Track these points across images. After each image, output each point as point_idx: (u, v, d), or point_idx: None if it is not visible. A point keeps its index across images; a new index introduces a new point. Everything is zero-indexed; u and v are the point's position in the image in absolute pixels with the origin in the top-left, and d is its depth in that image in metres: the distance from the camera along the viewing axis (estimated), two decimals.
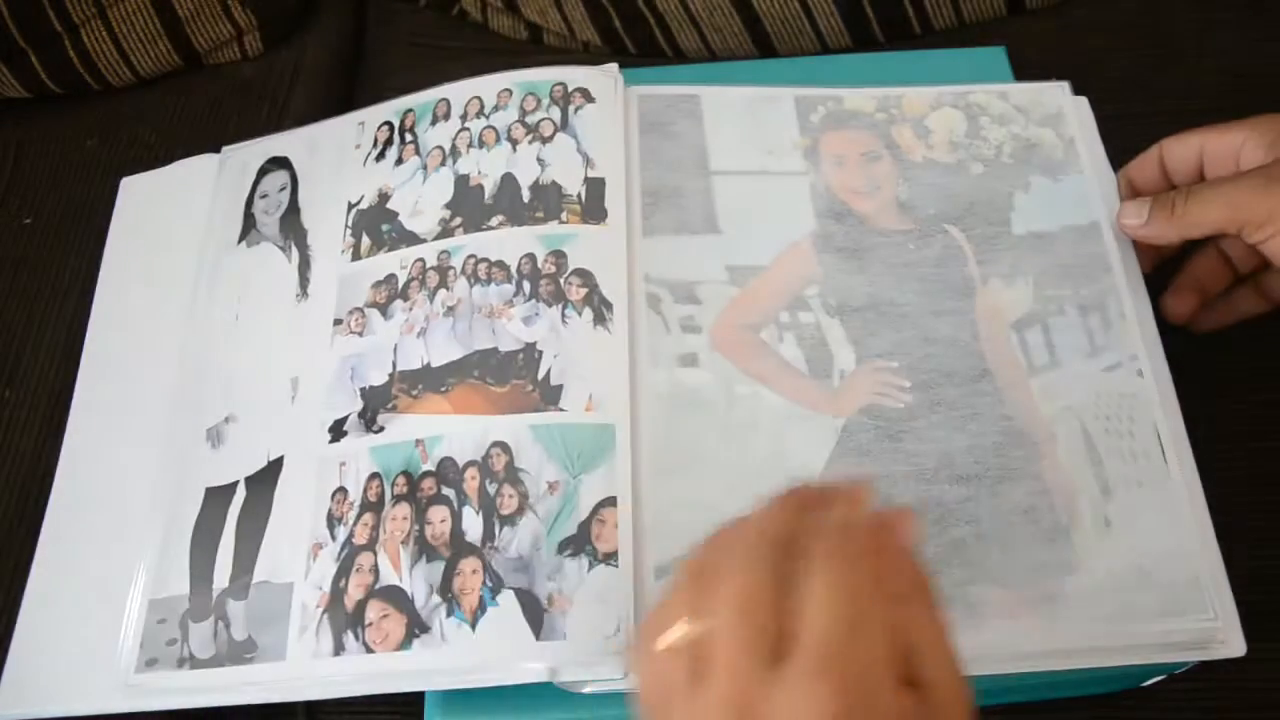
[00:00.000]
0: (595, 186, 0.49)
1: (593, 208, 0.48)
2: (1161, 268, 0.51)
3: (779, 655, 0.29)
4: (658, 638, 0.31)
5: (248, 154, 0.57)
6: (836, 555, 0.30)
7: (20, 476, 0.55)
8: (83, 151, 0.68)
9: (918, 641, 0.30)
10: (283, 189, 0.55)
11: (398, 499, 0.43)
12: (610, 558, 0.41)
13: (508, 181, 0.50)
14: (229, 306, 0.52)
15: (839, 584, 0.29)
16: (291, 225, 0.53)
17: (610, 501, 0.42)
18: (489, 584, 0.41)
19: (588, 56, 0.69)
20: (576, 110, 0.51)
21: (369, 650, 0.41)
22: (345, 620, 0.42)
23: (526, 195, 0.49)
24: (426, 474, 0.43)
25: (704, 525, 0.41)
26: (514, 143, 0.51)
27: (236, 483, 0.47)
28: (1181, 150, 0.49)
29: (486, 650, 0.40)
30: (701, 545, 0.33)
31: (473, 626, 0.40)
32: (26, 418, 0.57)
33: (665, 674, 0.30)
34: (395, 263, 0.49)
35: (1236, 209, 0.44)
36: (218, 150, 0.58)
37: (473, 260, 0.48)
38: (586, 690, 0.40)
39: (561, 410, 0.43)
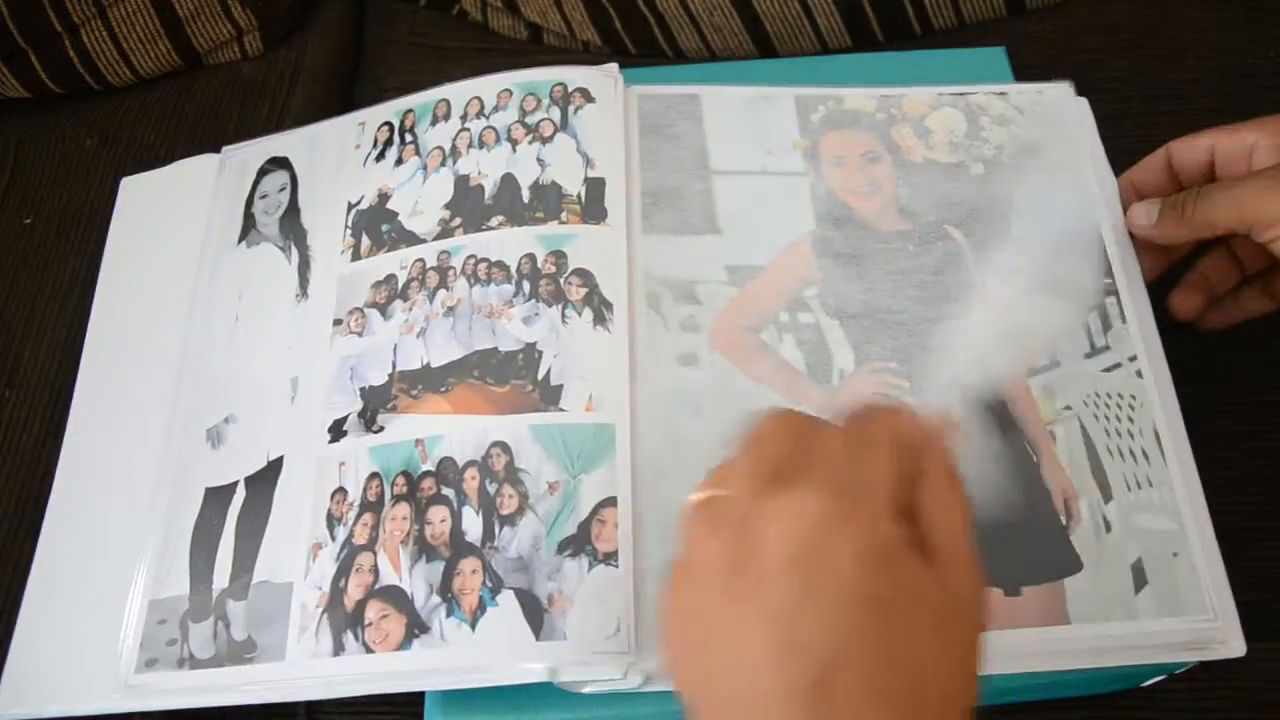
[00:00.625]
0: (595, 186, 0.49)
1: (592, 208, 0.48)
2: (1168, 268, 0.51)
3: (789, 483, 0.30)
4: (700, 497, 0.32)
5: (248, 154, 0.57)
6: (865, 412, 0.32)
7: (20, 476, 0.55)
8: (83, 151, 0.68)
9: (929, 505, 0.31)
10: (282, 189, 0.55)
11: (397, 499, 0.43)
12: (610, 558, 0.41)
13: (508, 182, 0.50)
14: (229, 307, 0.52)
15: (855, 428, 0.32)
16: (291, 225, 0.53)
17: (610, 501, 0.42)
18: (489, 584, 0.41)
19: (588, 56, 0.69)
20: (576, 110, 0.51)
21: (369, 650, 0.41)
22: (345, 620, 0.42)
23: (526, 195, 0.49)
24: (426, 474, 0.43)
25: None
26: (514, 143, 0.51)
27: (236, 483, 0.47)
28: (1191, 151, 0.48)
29: (486, 650, 0.40)
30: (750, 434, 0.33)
31: (472, 627, 0.40)
32: (26, 417, 0.57)
33: (696, 532, 0.31)
34: (395, 263, 0.49)
35: (1246, 209, 0.44)
36: (218, 150, 0.58)
37: (473, 260, 0.48)
38: (586, 690, 0.40)
39: (561, 410, 0.43)
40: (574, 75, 0.52)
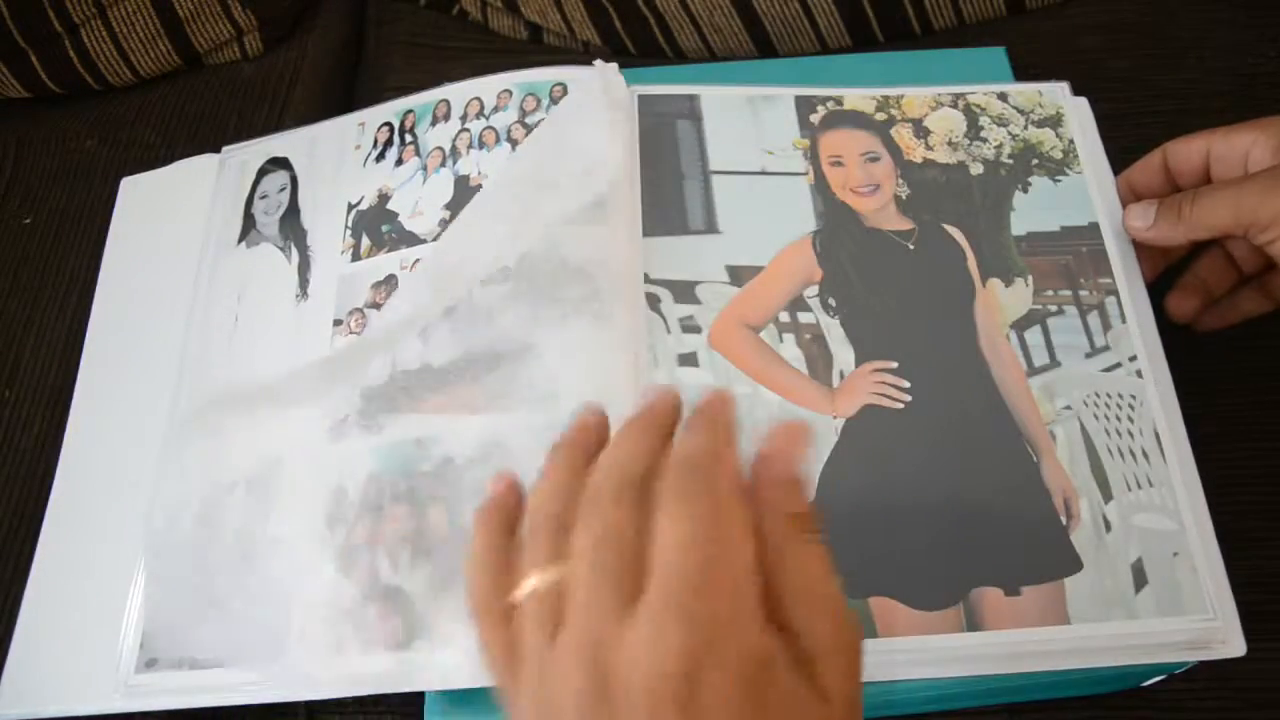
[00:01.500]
0: (595, 186, 0.49)
1: (591, 208, 0.48)
2: (1166, 269, 0.51)
3: (635, 595, 0.27)
4: (508, 594, 0.29)
5: (247, 154, 0.57)
6: (687, 489, 0.29)
7: (20, 476, 0.55)
8: (83, 151, 0.68)
9: (796, 603, 0.28)
10: (282, 189, 0.55)
11: (397, 499, 0.43)
12: None
13: (507, 182, 0.50)
14: (229, 307, 0.52)
15: (689, 517, 0.28)
16: (291, 226, 0.53)
17: None
18: None
19: (588, 56, 0.69)
20: (576, 110, 0.51)
21: (369, 650, 0.41)
22: (344, 620, 0.42)
23: (526, 196, 0.49)
24: (426, 474, 0.43)
25: None
26: (514, 143, 0.51)
27: (235, 482, 0.47)
28: (1186, 153, 0.48)
29: None
30: (546, 490, 0.31)
31: None
32: (27, 417, 0.58)
33: (518, 631, 0.29)
34: (395, 263, 0.49)
35: (1243, 211, 0.44)
36: (218, 150, 0.58)
37: (472, 261, 0.48)
38: None
39: (562, 410, 0.43)
40: (574, 75, 0.52)
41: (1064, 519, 0.42)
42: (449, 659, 0.40)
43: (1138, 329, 0.46)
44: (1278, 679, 0.46)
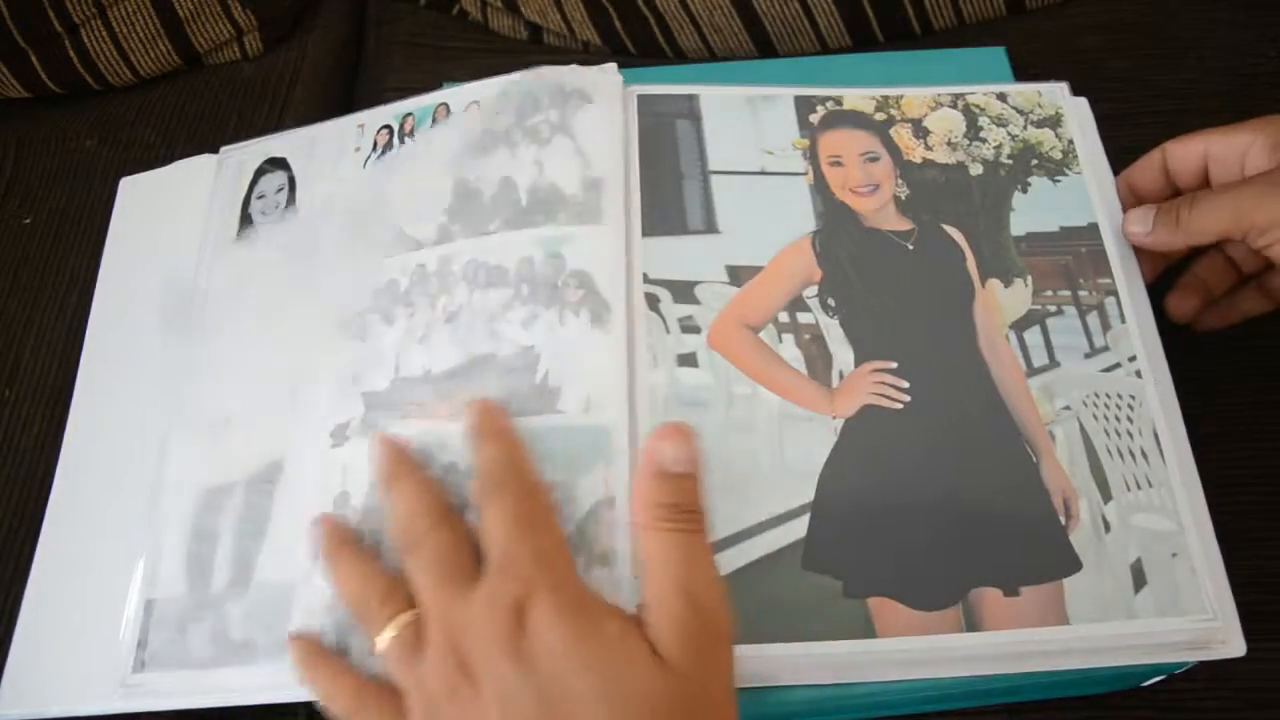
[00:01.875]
0: (593, 187, 0.49)
1: (590, 208, 0.48)
2: (1165, 269, 0.51)
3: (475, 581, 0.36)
4: (374, 636, 0.38)
5: (245, 154, 0.57)
6: (490, 491, 0.38)
7: (20, 476, 0.55)
8: (83, 151, 0.68)
9: (645, 566, 0.37)
10: (280, 190, 0.55)
11: None
12: (608, 558, 0.41)
13: (506, 185, 0.50)
14: (227, 308, 0.52)
15: (498, 510, 0.37)
16: (290, 227, 0.53)
17: (608, 502, 0.42)
18: None
19: (588, 56, 0.69)
20: (575, 111, 0.51)
21: (370, 654, 0.41)
22: (348, 623, 0.42)
23: (524, 198, 0.49)
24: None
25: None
26: (512, 146, 0.51)
27: (235, 484, 0.47)
28: (1185, 153, 0.49)
29: None
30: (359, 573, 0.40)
31: None
32: (27, 417, 0.58)
33: (390, 666, 0.37)
34: (396, 268, 0.49)
35: (1240, 216, 0.44)
36: (217, 150, 0.58)
37: (472, 265, 0.48)
38: None
39: (559, 412, 0.43)
40: (572, 76, 0.52)
41: (1063, 519, 0.42)
42: None
43: (1137, 329, 0.46)
44: (1278, 679, 0.46)
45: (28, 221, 0.65)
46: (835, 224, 0.49)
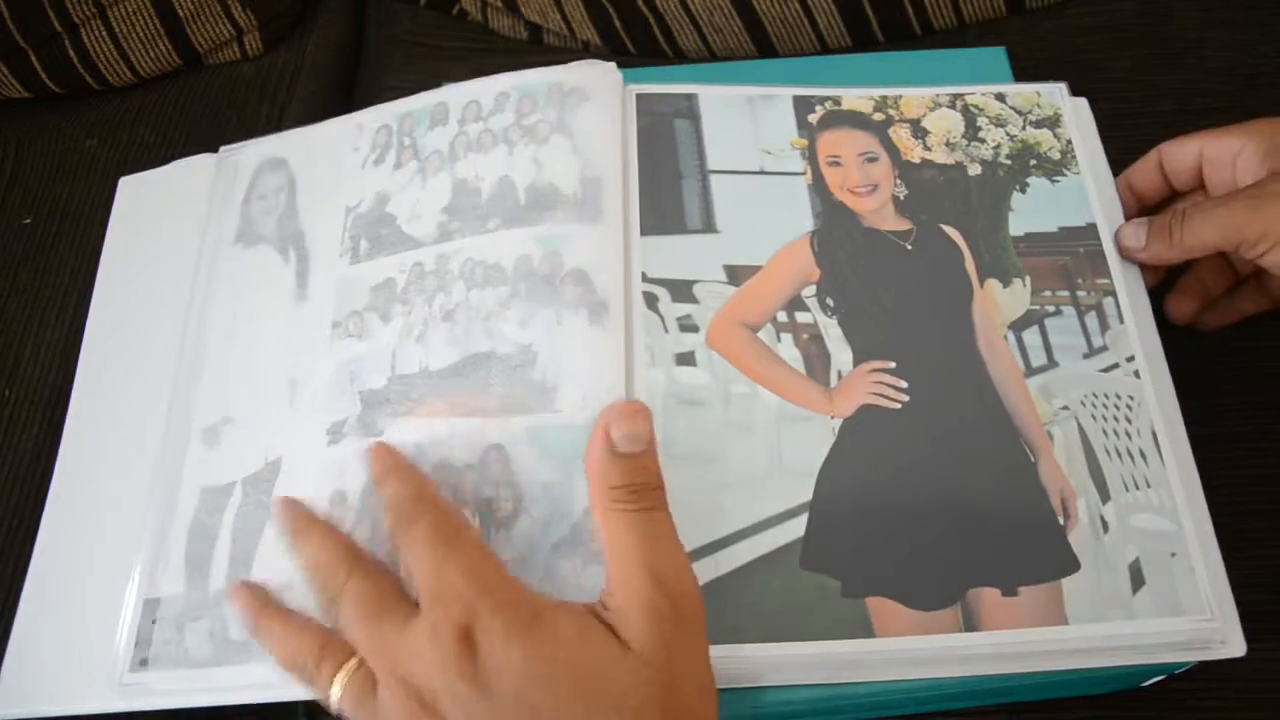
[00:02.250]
0: (592, 186, 0.49)
1: (589, 208, 0.48)
2: (1165, 275, 0.51)
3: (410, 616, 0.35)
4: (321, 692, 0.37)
5: (245, 154, 0.57)
6: (401, 526, 0.37)
7: (20, 476, 0.55)
8: (83, 151, 0.68)
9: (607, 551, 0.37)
10: (279, 191, 0.55)
11: None
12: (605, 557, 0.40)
13: (504, 184, 0.50)
14: (226, 307, 0.52)
15: (414, 541, 0.36)
16: (289, 227, 0.53)
17: None
18: None
19: (587, 56, 0.69)
20: (573, 110, 0.51)
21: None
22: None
23: (523, 197, 0.49)
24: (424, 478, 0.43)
25: (699, 525, 0.42)
26: (510, 145, 0.51)
27: (234, 483, 0.47)
28: (1180, 154, 0.49)
29: None
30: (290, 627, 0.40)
31: None
32: (26, 417, 0.58)
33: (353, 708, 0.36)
34: (394, 267, 0.49)
35: (1230, 229, 0.44)
36: (217, 150, 0.58)
37: (470, 264, 0.48)
38: None
39: (556, 411, 0.43)
40: (571, 75, 0.52)
41: (1061, 519, 0.42)
42: None
43: (1135, 329, 0.46)
44: (1278, 679, 0.46)
45: (28, 221, 0.65)
46: (834, 224, 0.49)
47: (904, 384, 0.45)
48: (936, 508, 0.42)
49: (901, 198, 0.50)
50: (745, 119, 0.52)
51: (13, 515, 0.54)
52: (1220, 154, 0.47)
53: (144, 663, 0.44)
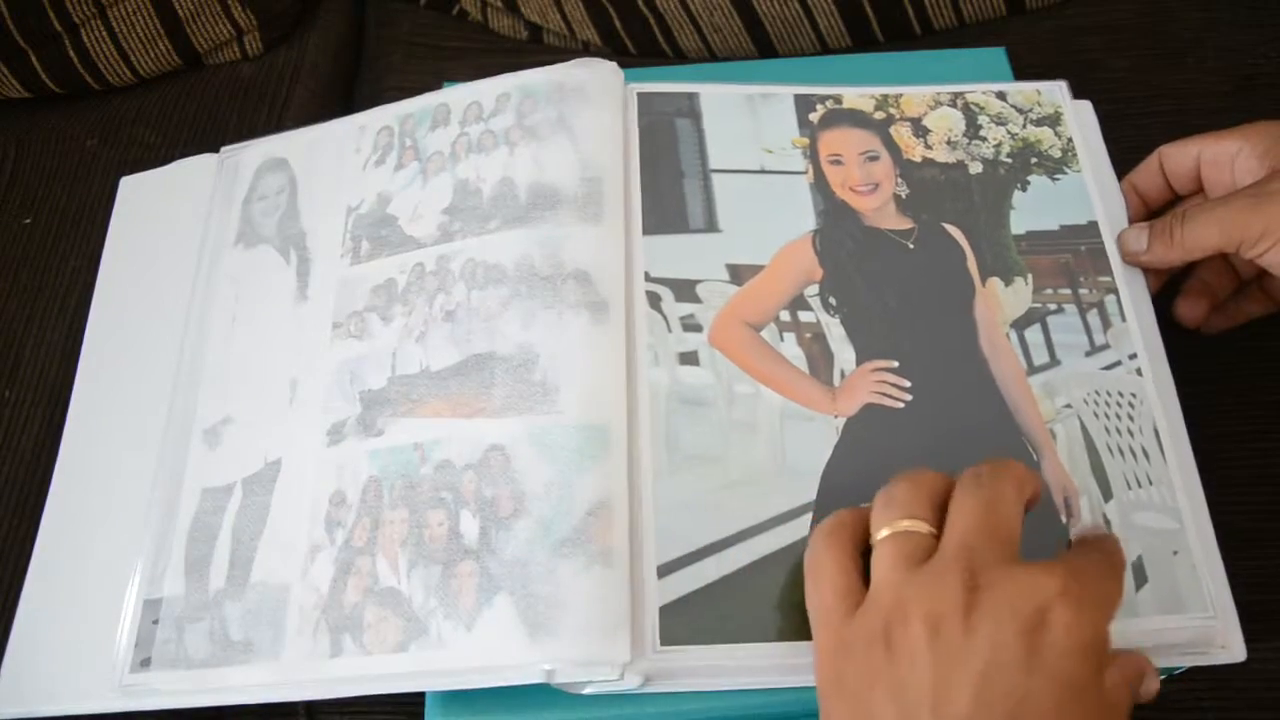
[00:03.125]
0: (592, 185, 0.49)
1: (590, 208, 0.48)
2: (1169, 278, 0.51)
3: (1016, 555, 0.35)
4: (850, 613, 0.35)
5: (246, 155, 0.57)
6: (970, 486, 0.36)
7: (20, 476, 0.55)
8: (83, 151, 0.68)
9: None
10: (280, 191, 0.55)
11: (396, 503, 0.43)
12: (607, 557, 0.40)
13: (505, 184, 0.50)
14: (226, 307, 0.52)
15: (973, 504, 0.35)
16: (290, 228, 0.53)
17: (607, 501, 0.42)
18: (485, 586, 0.40)
19: (588, 56, 0.69)
20: (575, 109, 0.51)
21: (366, 653, 0.41)
22: (343, 622, 0.42)
23: (524, 197, 0.49)
24: (425, 478, 0.43)
25: (703, 524, 0.42)
26: (512, 145, 0.51)
27: (234, 484, 0.47)
28: (1179, 157, 0.49)
29: (483, 652, 0.40)
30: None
31: (469, 629, 0.40)
32: (27, 417, 0.58)
33: (910, 571, 0.35)
34: (395, 267, 0.49)
35: (1231, 230, 0.44)
36: (218, 150, 0.58)
37: (471, 264, 0.48)
38: (587, 691, 0.40)
39: (558, 411, 0.43)
40: (572, 74, 0.52)
41: (1064, 517, 0.42)
42: (446, 662, 0.40)
43: (1137, 327, 0.46)
44: (1278, 679, 0.46)
45: (28, 221, 0.65)
46: (835, 222, 0.49)
47: (907, 383, 0.45)
48: None
49: (903, 196, 0.50)
50: (746, 118, 0.52)
51: (13, 515, 0.54)
52: (1218, 156, 0.48)
53: (145, 663, 0.44)
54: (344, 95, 0.71)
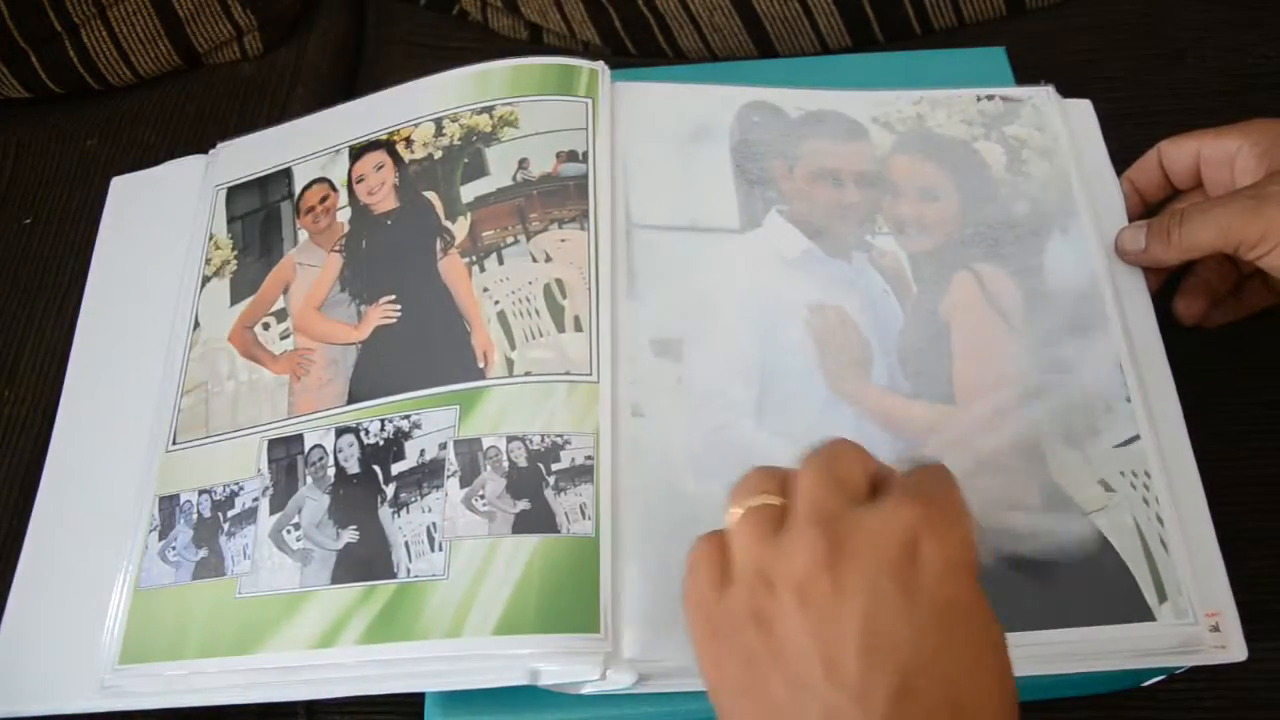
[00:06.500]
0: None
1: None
2: (1168, 277, 0.51)
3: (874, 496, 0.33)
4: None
5: (235, 150, 0.56)
6: (808, 456, 0.34)
7: (19, 476, 0.55)
8: (83, 151, 0.68)
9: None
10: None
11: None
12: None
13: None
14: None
15: (813, 464, 0.34)
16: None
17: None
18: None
19: (588, 56, 0.69)
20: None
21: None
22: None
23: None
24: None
25: (683, 517, 0.41)
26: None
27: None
28: (1178, 154, 0.49)
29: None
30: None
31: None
32: (25, 417, 0.58)
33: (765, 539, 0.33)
34: None
35: (1229, 231, 0.44)
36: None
37: None
38: (586, 691, 0.40)
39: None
40: (557, 72, 0.52)
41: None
42: (448, 659, 0.40)
43: (1135, 326, 0.46)
44: (1278, 679, 0.46)
45: (28, 221, 0.65)
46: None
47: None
48: None
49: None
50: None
51: (12, 515, 0.54)
52: (1218, 154, 0.48)
53: (131, 661, 0.43)
54: (344, 95, 0.71)
